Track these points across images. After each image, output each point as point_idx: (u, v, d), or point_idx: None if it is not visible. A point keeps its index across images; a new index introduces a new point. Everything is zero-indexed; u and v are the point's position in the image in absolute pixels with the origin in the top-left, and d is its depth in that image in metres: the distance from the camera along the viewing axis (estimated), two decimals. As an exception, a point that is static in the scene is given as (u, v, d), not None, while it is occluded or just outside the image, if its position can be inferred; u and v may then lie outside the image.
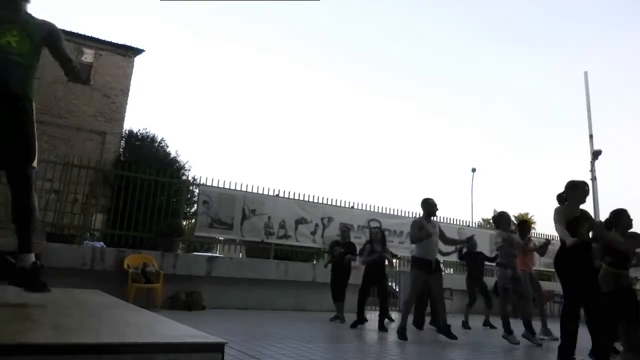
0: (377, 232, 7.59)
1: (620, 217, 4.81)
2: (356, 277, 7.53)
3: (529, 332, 5.87)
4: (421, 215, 6.18)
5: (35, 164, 2.60)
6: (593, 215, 13.61)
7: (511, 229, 6.80)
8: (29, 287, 2.39)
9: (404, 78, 64.79)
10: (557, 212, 4.34)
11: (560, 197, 4.48)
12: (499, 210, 6.58)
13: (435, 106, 63.54)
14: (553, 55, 55.75)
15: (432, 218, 6.22)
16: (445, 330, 5.84)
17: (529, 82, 59.10)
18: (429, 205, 6.09)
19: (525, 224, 7.22)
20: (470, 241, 7.92)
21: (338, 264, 7.65)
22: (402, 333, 5.77)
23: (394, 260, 10.04)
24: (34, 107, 2.64)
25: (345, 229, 8.53)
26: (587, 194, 4.43)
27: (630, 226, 4.85)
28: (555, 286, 12.63)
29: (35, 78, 2.68)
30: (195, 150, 61.29)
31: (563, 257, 4.28)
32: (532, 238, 8.51)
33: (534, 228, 35.09)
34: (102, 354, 1.41)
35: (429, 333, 6.90)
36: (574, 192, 4.40)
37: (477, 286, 8.05)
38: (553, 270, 13.88)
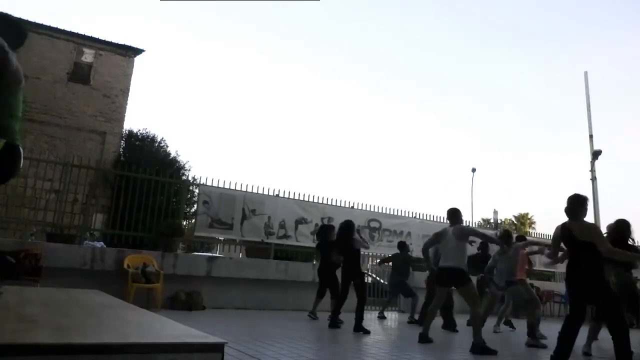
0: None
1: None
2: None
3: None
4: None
5: None
6: (593, 216, 13.66)
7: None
8: None
9: (404, 78, 64.83)
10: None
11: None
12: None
13: (436, 106, 63.58)
14: (553, 55, 55.78)
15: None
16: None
17: (529, 82, 59.12)
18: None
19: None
20: None
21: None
22: (483, 347, 5.11)
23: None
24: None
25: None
26: None
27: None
28: (555, 286, 12.65)
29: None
30: (195, 150, 61.35)
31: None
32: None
33: (533, 228, 35.15)
34: (102, 354, 1.41)
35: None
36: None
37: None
38: (552, 270, 13.85)
